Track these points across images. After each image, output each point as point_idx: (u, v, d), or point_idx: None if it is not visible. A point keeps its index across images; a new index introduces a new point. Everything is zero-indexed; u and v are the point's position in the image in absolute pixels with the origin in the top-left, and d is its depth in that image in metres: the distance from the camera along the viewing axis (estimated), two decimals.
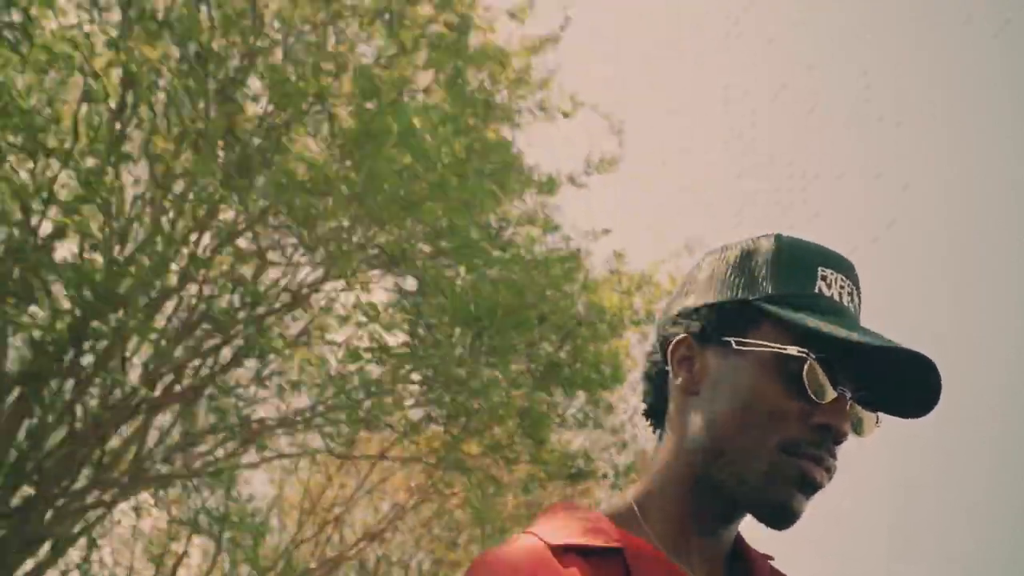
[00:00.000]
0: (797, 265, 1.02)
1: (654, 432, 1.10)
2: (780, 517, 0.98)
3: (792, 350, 0.97)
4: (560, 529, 1.00)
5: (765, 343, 0.99)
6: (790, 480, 0.97)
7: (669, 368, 1.06)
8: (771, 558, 1.11)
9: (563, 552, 0.97)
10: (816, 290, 1.01)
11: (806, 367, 0.97)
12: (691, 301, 1.06)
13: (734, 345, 1.00)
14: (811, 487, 0.97)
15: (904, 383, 0.99)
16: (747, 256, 1.05)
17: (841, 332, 0.95)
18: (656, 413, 1.10)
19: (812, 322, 0.96)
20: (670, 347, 1.05)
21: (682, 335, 1.05)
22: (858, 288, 1.05)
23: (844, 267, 1.04)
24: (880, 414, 1.04)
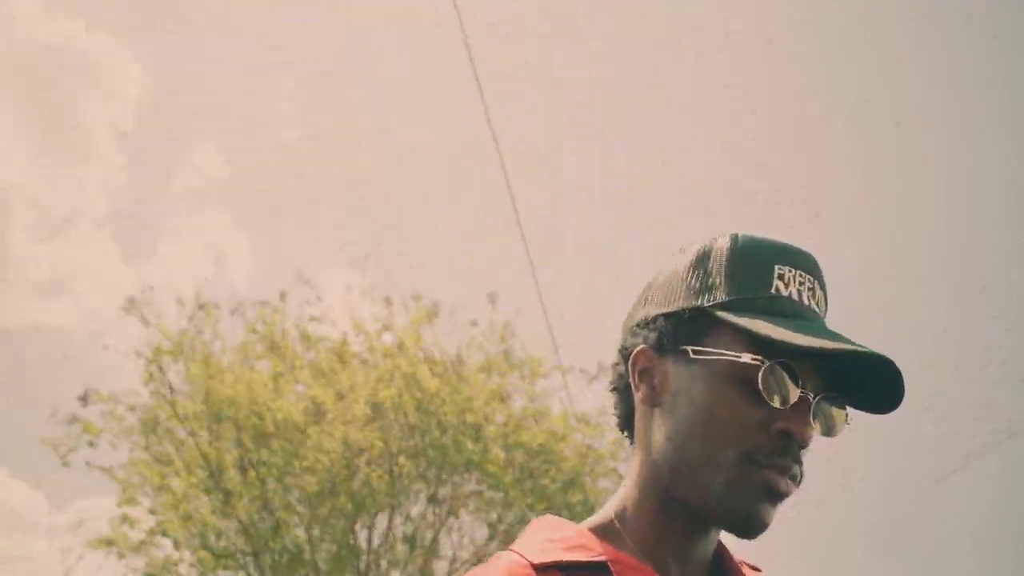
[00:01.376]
0: (752, 266, 1.00)
1: (631, 444, 1.08)
2: (746, 528, 0.96)
3: (746, 357, 0.95)
4: (543, 546, 0.99)
5: (720, 351, 0.97)
6: (753, 491, 0.94)
7: (631, 380, 1.04)
8: (759, 570, 1.10)
9: (547, 570, 0.96)
10: (773, 290, 0.99)
11: (760, 374, 0.94)
12: (650, 310, 1.04)
13: (691, 355, 0.98)
14: (776, 497, 0.95)
15: (870, 379, 0.97)
16: (702, 259, 1.02)
17: (793, 336, 0.93)
18: (629, 425, 1.08)
19: (764, 328, 0.94)
20: (630, 359, 1.04)
21: (641, 346, 1.03)
22: (821, 283, 1.02)
23: (804, 263, 1.01)
24: (851, 412, 1.00)
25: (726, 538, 1.09)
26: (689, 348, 0.99)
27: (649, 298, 1.06)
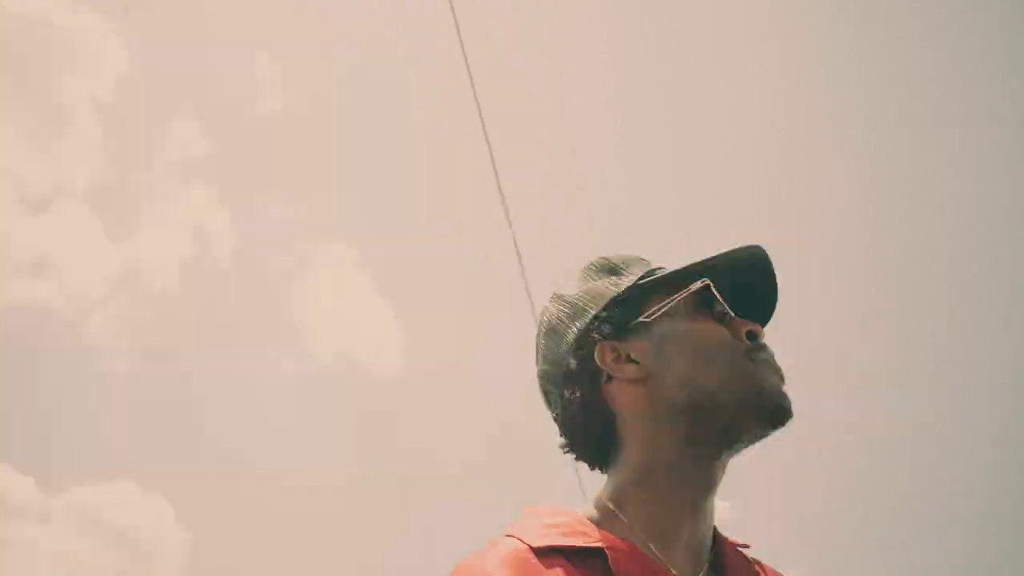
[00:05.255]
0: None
1: (592, 467, 1.12)
2: (776, 407, 1.04)
3: (696, 284, 1.06)
4: (541, 531, 1.02)
5: (673, 295, 1.07)
6: (765, 372, 1.05)
7: (603, 375, 1.08)
8: (747, 546, 1.13)
9: (546, 554, 0.98)
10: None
11: (715, 288, 1.07)
12: (577, 326, 1.10)
13: (651, 319, 1.07)
14: (781, 375, 1.06)
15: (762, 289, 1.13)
16: (604, 268, 1.13)
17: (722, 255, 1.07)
18: (602, 442, 1.10)
19: (695, 264, 1.08)
20: (597, 358, 1.08)
21: (600, 343, 1.08)
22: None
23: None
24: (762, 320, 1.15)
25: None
26: (645, 317, 1.07)
27: (560, 328, 1.12)
